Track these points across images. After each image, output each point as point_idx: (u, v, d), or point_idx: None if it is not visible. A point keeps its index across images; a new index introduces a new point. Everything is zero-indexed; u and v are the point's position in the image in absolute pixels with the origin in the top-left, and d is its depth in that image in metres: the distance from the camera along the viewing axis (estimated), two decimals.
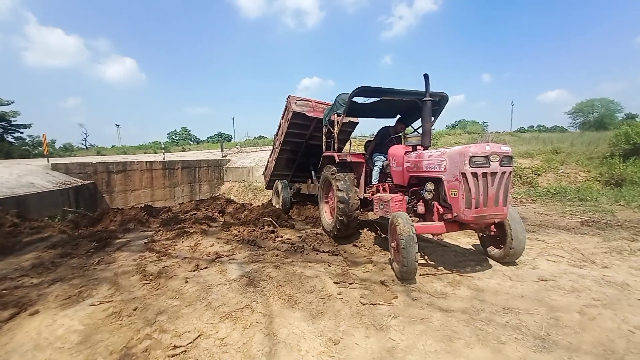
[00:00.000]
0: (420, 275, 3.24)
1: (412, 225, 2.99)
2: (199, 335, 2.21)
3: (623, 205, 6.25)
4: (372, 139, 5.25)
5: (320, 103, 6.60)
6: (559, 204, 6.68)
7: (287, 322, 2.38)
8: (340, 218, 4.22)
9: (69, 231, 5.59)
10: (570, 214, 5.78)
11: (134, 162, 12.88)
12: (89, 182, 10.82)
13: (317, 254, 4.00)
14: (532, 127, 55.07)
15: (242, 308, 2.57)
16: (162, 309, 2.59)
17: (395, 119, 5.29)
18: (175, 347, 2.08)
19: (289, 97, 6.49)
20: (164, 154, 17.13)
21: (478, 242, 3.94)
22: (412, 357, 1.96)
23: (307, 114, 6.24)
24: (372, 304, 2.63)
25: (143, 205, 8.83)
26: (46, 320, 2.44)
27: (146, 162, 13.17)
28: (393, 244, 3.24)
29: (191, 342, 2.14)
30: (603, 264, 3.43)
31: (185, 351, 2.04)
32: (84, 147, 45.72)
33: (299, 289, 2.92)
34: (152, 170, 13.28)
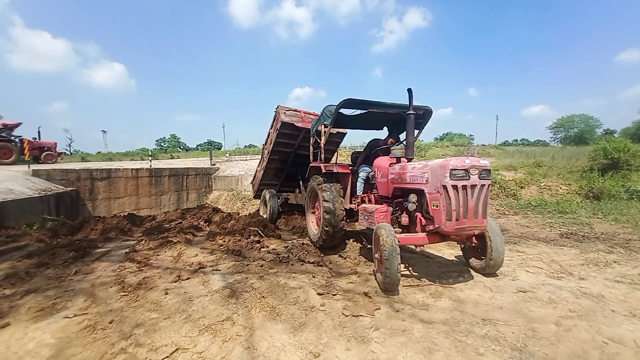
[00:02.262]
0: (404, 286, 3.26)
1: (395, 237, 3.02)
2: (176, 349, 2.15)
3: (600, 218, 6.47)
4: (362, 150, 5.29)
5: (309, 113, 6.66)
6: (539, 216, 6.86)
7: (268, 334, 2.34)
8: (326, 228, 4.22)
9: (47, 240, 5.41)
10: (550, 226, 5.94)
11: (119, 169, 12.61)
12: (71, 189, 10.49)
13: (302, 264, 3.98)
14: (516, 140, 56.83)
15: (223, 320, 2.52)
16: (139, 322, 2.52)
17: (385, 131, 5.39)
18: None
19: (278, 107, 6.53)
20: (150, 161, 16.84)
21: (461, 253, 4.00)
22: None
23: (295, 124, 6.27)
24: (354, 316, 2.62)
25: (127, 213, 8.62)
26: (17, 334, 2.34)
27: (132, 169, 12.91)
28: (377, 255, 3.25)
29: (167, 356, 2.08)
30: (580, 276, 3.52)
31: None
32: (68, 152, 44.53)
33: (282, 300, 2.89)
34: (138, 178, 13.00)
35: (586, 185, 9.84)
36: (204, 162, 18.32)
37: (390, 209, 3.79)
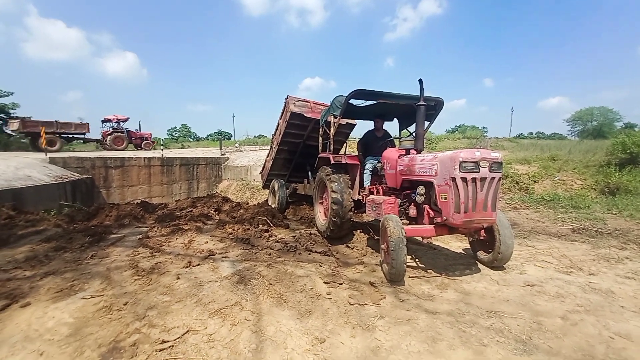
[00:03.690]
0: (410, 277, 3.28)
1: (402, 228, 3.03)
2: (187, 331, 2.24)
3: (615, 214, 6.31)
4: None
5: (319, 104, 6.63)
6: (551, 211, 6.74)
7: (275, 320, 2.41)
8: (333, 219, 4.25)
9: (64, 225, 5.61)
10: (562, 221, 5.84)
11: (132, 157, 12.87)
12: (86, 176, 10.82)
13: (309, 254, 4.04)
14: (532, 133, 55.25)
15: (232, 305, 2.60)
16: (152, 304, 2.63)
17: (395, 123, 5.38)
18: (163, 341, 2.12)
19: (287, 97, 6.51)
20: (162, 150, 17.10)
21: (469, 246, 3.98)
22: (395, 356, 2.00)
23: (305, 114, 6.26)
24: (360, 305, 2.67)
25: (139, 201, 8.85)
26: (37, 313, 2.47)
27: (144, 158, 13.17)
28: (383, 246, 3.28)
29: (179, 337, 2.17)
30: (590, 271, 3.48)
31: (173, 346, 2.08)
32: (82, 141, 45.54)
33: (289, 287, 2.96)
34: (150, 167, 13.27)
35: (602, 180, 9.54)
36: (214, 152, 18.50)
37: (399, 200, 3.79)
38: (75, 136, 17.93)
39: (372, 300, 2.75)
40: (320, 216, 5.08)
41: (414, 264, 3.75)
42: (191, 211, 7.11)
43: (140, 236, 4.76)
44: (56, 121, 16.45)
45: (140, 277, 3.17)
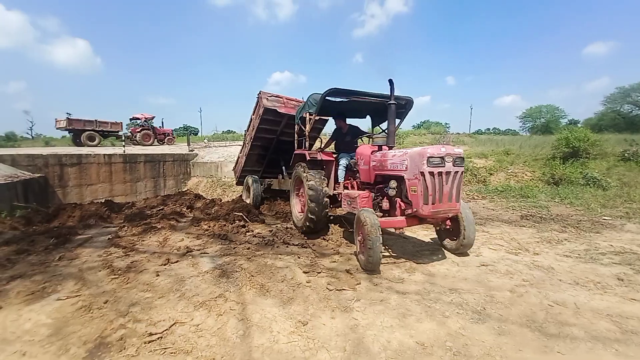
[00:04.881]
0: (382, 263, 3.55)
1: (377, 220, 3.25)
2: (174, 323, 2.32)
3: (557, 202, 7.14)
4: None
5: (292, 100, 6.69)
6: (504, 200, 7.45)
7: (259, 308, 2.55)
8: (310, 215, 4.38)
9: (21, 227, 5.26)
10: (513, 209, 6.50)
11: (90, 154, 12.06)
12: (39, 175, 10.01)
13: (287, 246, 4.19)
14: (489, 129, 59.21)
15: (216, 297, 2.70)
16: (134, 301, 2.65)
17: (368, 120, 5.59)
18: (151, 334, 2.18)
19: (260, 92, 6.47)
20: (124, 146, 16.16)
21: (435, 235, 4.35)
22: (371, 331, 2.24)
23: (278, 110, 6.29)
24: (337, 290, 2.88)
25: (104, 200, 8.40)
26: (10, 316, 2.40)
27: (104, 154, 12.40)
28: (359, 238, 3.49)
29: (166, 329, 2.24)
30: (534, 252, 3.98)
31: (162, 337, 2.15)
32: (30, 136, 41.44)
33: (271, 278, 3.10)
34: (111, 164, 12.52)
35: (548, 172, 10.65)
36: (181, 148, 17.82)
37: (372, 194, 3.99)
38: (111, 133, 20.63)
39: (349, 285, 2.98)
40: (297, 210, 5.20)
41: (387, 252, 4.04)
42: (162, 209, 6.93)
43: (110, 236, 4.62)
44: (96, 120, 19.59)
45: (117, 276, 3.14)
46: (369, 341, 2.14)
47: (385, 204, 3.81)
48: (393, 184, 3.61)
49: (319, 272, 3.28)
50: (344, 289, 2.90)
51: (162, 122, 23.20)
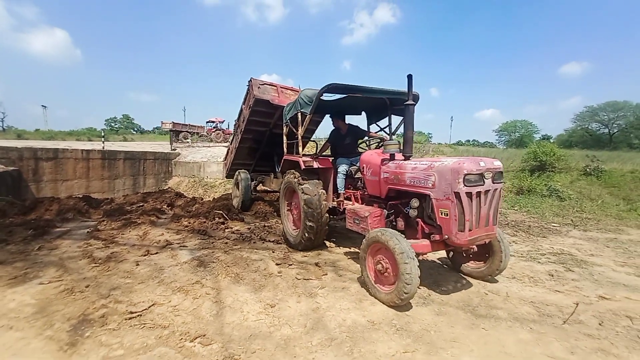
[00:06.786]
0: (348, 258, 3.91)
1: (411, 246, 2.61)
2: (153, 304, 2.56)
3: (516, 210, 7.78)
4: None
5: (287, 88, 6.05)
6: None
7: (232, 293, 2.83)
8: (307, 234, 3.86)
9: None
10: None
11: (67, 149, 11.81)
12: (12, 168, 9.76)
13: (263, 242, 4.47)
14: (469, 140, 61.63)
15: (193, 283, 2.95)
16: (115, 286, 2.86)
17: (363, 117, 5.09)
18: (132, 312, 2.41)
19: (251, 80, 5.84)
20: (103, 142, 15.86)
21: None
22: (330, 313, 2.57)
23: (271, 101, 5.69)
24: (305, 279, 3.20)
25: (82, 195, 8.36)
26: None
27: (82, 150, 12.18)
28: (379, 267, 2.79)
29: (146, 309, 2.48)
30: None
31: (141, 315, 2.39)
32: (1, 128, 39.54)
33: (245, 269, 3.38)
34: (89, 160, 12.28)
35: (517, 184, 11.43)
36: (163, 147, 17.66)
37: (385, 211, 3.38)
38: (196, 133, 24.87)
39: (316, 276, 3.30)
40: (289, 226, 4.48)
41: (355, 249, 4.39)
42: (142, 206, 7.03)
43: (89, 229, 4.73)
44: (188, 124, 25.54)
45: (97, 265, 3.33)
46: (327, 320, 2.46)
47: (401, 224, 3.26)
48: (415, 203, 2.98)
49: (290, 265, 3.59)
50: (311, 279, 3.22)
51: (228, 125, 26.66)
